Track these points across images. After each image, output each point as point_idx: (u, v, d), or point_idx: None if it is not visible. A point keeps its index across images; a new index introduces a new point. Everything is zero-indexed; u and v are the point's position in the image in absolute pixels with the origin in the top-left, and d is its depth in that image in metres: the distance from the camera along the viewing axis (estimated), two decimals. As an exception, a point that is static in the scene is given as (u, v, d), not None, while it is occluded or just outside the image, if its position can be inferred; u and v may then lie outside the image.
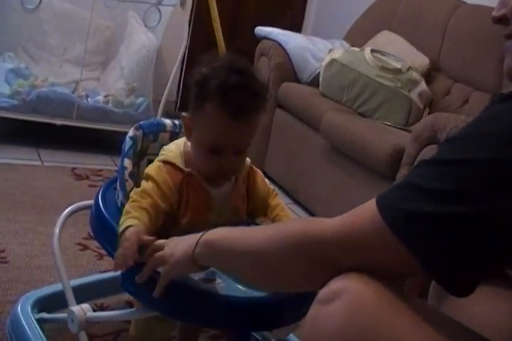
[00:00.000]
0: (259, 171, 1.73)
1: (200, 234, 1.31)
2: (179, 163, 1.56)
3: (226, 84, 1.44)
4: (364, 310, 0.97)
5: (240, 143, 1.53)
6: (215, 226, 1.48)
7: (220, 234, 1.29)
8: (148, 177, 1.53)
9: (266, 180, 1.74)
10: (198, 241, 1.29)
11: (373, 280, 1.00)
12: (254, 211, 1.70)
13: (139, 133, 1.69)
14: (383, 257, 1.01)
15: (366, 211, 1.03)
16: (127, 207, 1.49)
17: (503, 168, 0.91)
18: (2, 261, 2.31)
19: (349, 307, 0.97)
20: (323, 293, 1.02)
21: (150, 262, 1.39)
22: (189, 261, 1.30)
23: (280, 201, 1.73)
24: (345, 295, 0.99)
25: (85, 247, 2.52)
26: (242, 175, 1.65)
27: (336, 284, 1.02)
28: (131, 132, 1.68)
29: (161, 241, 1.41)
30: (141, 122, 1.73)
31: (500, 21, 1.11)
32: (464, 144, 0.97)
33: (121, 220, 1.46)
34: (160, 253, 1.38)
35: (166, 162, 1.56)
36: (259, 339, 1.97)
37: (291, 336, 1.91)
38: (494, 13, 1.11)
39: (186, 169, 1.55)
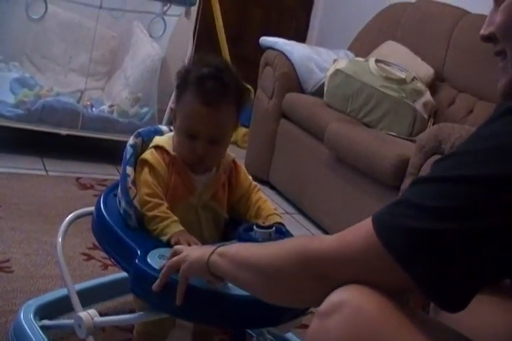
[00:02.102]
0: (242, 166, 1.86)
1: (219, 244, 1.35)
2: (167, 146, 1.72)
3: (200, 75, 1.65)
4: (364, 323, 0.97)
5: (211, 130, 1.66)
6: (195, 208, 1.66)
7: (234, 246, 1.33)
8: (143, 162, 1.68)
9: (249, 176, 1.86)
10: (214, 250, 1.32)
11: (373, 292, 1.00)
12: (237, 203, 1.82)
13: (139, 140, 1.77)
14: (379, 274, 1.01)
15: (362, 228, 1.04)
16: (150, 211, 1.62)
17: (498, 183, 0.91)
18: (7, 270, 2.30)
19: (349, 321, 0.98)
20: (323, 306, 1.03)
21: (167, 268, 1.43)
22: (204, 266, 1.33)
23: (262, 195, 1.84)
24: (344, 309, 0.99)
25: (90, 257, 2.51)
26: (224, 166, 1.78)
27: (335, 297, 1.02)
28: (131, 140, 1.76)
29: (180, 247, 1.47)
30: (140, 130, 1.82)
31: (488, 39, 1.11)
32: (460, 161, 0.97)
33: (161, 225, 1.60)
34: (175, 258, 1.41)
35: (156, 147, 1.72)
36: (254, 336, 1.99)
37: (289, 334, 1.93)
38: (482, 32, 1.12)
39: (173, 153, 1.69)
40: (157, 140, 1.75)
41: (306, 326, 2.14)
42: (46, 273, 2.33)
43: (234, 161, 1.82)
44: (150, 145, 1.72)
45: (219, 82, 1.64)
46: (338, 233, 1.09)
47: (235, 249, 1.31)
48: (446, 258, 0.94)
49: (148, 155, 1.69)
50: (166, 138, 1.75)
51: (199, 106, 1.63)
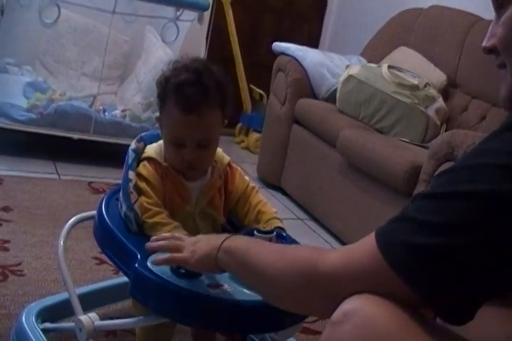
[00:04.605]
0: (238, 169, 1.83)
1: (223, 238, 1.34)
2: (158, 157, 1.70)
3: (179, 82, 1.61)
4: (376, 331, 0.97)
5: (198, 136, 1.63)
6: (192, 217, 1.69)
7: (240, 244, 1.32)
8: (139, 176, 1.67)
9: (246, 177, 1.84)
10: (220, 246, 1.32)
11: (385, 301, 1.01)
12: (235, 207, 1.80)
13: (141, 145, 1.77)
14: (384, 290, 1.02)
15: (365, 245, 1.05)
16: (150, 218, 1.61)
17: (496, 199, 0.92)
18: (19, 274, 2.31)
19: (361, 329, 0.98)
20: (335, 314, 1.03)
21: (168, 261, 1.43)
22: (213, 262, 1.33)
23: (261, 198, 1.81)
24: (357, 317, 1.00)
25: (102, 261, 2.52)
26: (219, 170, 1.76)
27: (347, 306, 1.03)
28: (133, 144, 1.76)
29: (178, 234, 1.50)
30: (143, 134, 1.82)
31: (490, 51, 1.11)
32: (458, 177, 0.99)
33: (163, 232, 1.57)
34: (180, 255, 1.40)
35: (147, 158, 1.70)
36: None
37: (291, 339, 1.93)
38: (484, 44, 1.12)
39: (164, 163, 1.69)
40: (148, 150, 1.73)
41: (312, 331, 2.15)
42: (58, 276, 2.32)
43: (229, 164, 1.80)
44: (142, 157, 1.71)
45: (198, 87, 1.60)
46: (344, 248, 1.11)
47: (242, 251, 1.29)
48: (448, 273, 0.95)
49: (142, 169, 1.68)
50: (156, 147, 1.73)
51: (181, 115, 1.60)
